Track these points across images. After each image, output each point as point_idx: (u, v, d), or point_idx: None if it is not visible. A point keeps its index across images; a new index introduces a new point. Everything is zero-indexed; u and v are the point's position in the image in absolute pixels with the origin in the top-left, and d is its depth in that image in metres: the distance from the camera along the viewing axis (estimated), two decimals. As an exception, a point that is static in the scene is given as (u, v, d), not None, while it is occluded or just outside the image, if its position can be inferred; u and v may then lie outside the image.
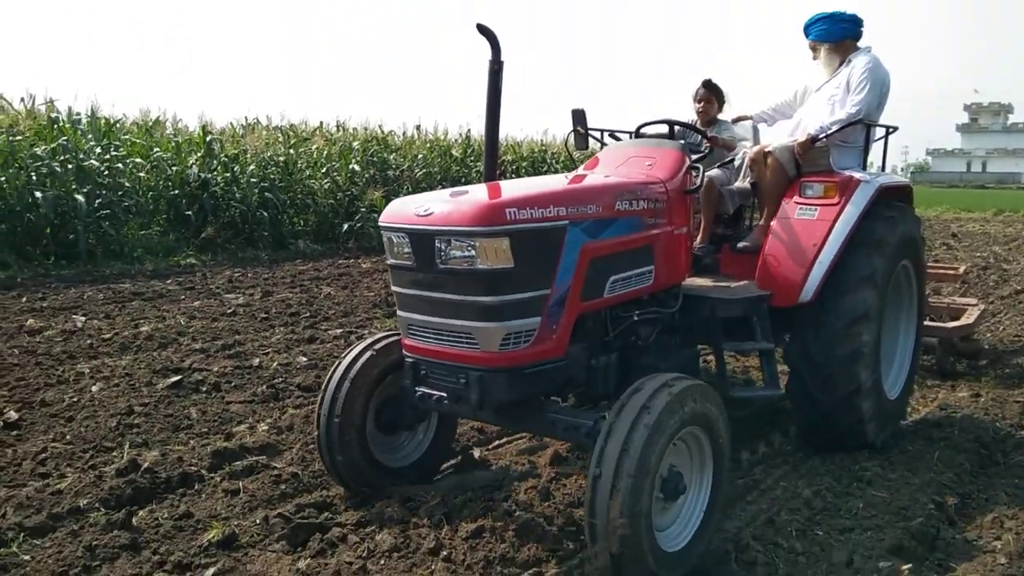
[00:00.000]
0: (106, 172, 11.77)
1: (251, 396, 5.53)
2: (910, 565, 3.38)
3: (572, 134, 4.90)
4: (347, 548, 3.42)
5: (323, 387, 3.91)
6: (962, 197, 38.16)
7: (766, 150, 4.90)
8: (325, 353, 6.67)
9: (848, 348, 4.45)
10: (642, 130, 4.78)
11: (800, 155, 4.79)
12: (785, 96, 5.55)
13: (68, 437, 4.64)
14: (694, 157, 4.25)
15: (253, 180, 13.66)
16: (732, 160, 5.17)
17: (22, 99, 12.33)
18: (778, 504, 4.02)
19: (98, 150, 12.01)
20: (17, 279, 9.55)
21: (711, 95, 5.35)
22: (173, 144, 13.74)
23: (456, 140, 20.05)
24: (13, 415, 4.93)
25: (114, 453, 4.46)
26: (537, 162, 21.91)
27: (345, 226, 14.51)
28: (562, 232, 3.41)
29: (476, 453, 4.62)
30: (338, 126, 18.40)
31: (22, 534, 3.47)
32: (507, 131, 23.12)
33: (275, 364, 6.29)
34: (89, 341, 6.87)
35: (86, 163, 11.42)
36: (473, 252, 3.19)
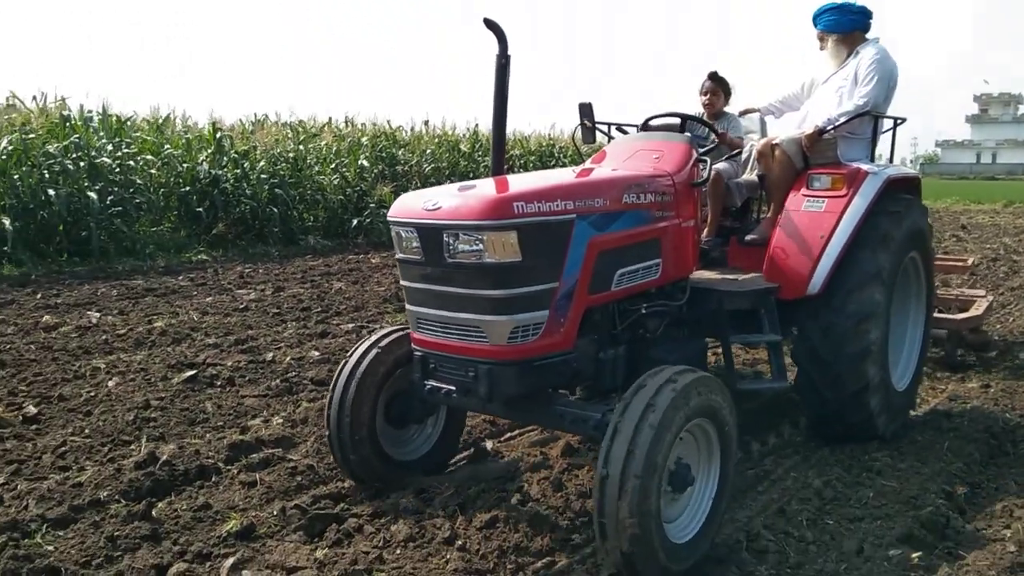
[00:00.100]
0: (118, 169, 11.86)
1: (265, 390, 5.59)
2: (920, 553, 3.42)
3: (579, 128, 4.92)
4: (363, 538, 3.48)
5: (331, 387, 3.95)
6: (972, 188, 38.00)
7: (773, 142, 4.90)
8: (337, 347, 6.73)
9: (856, 346, 4.46)
10: (650, 123, 4.79)
11: (807, 147, 4.79)
12: (792, 88, 5.56)
13: (86, 431, 4.71)
14: (701, 150, 4.27)
15: (263, 176, 13.75)
16: (739, 153, 5.18)
17: (34, 97, 12.49)
18: (789, 494, 4.06)
19: (110, 147, 12.11)
20: (31, 276, 9.65)
21: (717, 87, 5.32)
22: (183, 141, 13.83)
23: (464, 135, 20.13)
24: (32, 409, 5.00)
25: (132, 446, 4.52)
26: (545, 156, 21.96)
27: (354, 221, 14.58)
28: (570, 225, 3.43)
29: (489, 445, 4.67)
30: (347, 122, 18.49)
31: (45, 525, 3.53)
32: (515, 126, 23.19)
33: (288, 358, 6.35)
34: (104, 337, 6.95)
35: (98, 161, 11.52)
36: (481, 246, 3.22)
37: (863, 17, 5.07)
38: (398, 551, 3.37)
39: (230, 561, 3.24)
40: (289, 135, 15.91)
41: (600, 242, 3.56)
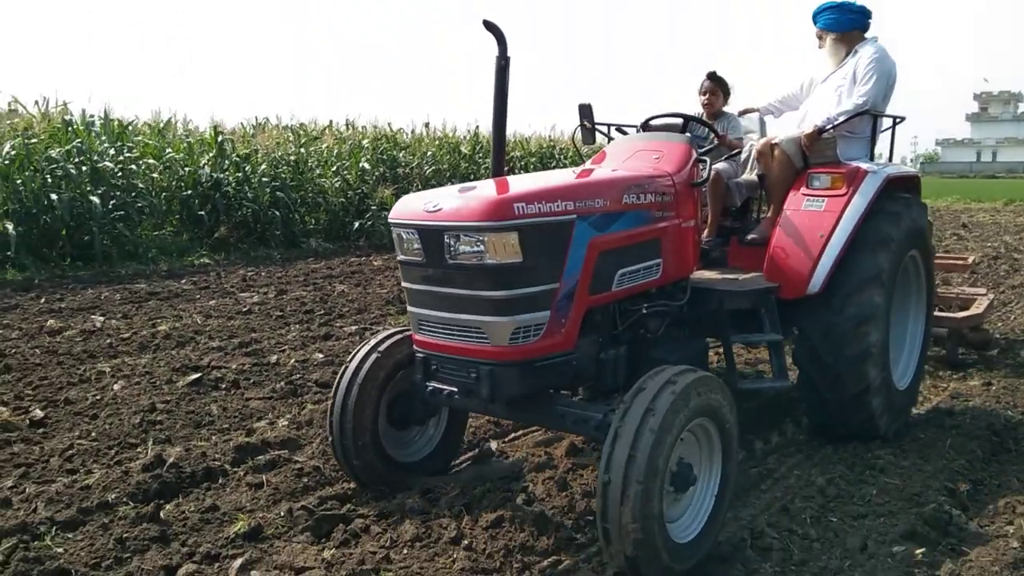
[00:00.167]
0: (120, 174, 11.90)
1: (270, 392, 5.62)
2: (923, 549, 3.44)
3: (579, 129, 4.93)
4: (370, 539, 3.50)
5: (332, 393, 3.96)
6: (972, 187, 38.01)
7: (773, 142, 4.91)
8: (341, 350, 6.75)
9: (857, 349, 4.47)
10: (649, 123, 4.81)
11: (807, 147, 4.79)
12: (791, 88, 5.57)
13: (93, 434, 4.74)
14: (700, 150, 4.29)
15: (264, 179, 13.78)
16: (739, 153, 5.19)
17: (36, 102, 12.50)
18: (792, 492, 4.08)
19: (112, 152, 12.14)
20: (35, 280, 9.67)
21: (716, 87, 5.31)
22: (185, 145, 13.86)
23: (465, 137, 20.17)
24: (39, 413, 5.03)
25: (139, 449, 4.55)
26: (545, 158, 22.00)
27: (356, 224, 14.62)
28: (570, 226, 3.43)
29: (493, 445, 4.69)
30: (348, 125, 18.53)
31: (54, 528, 3.56)
32: (515, 127, 23.24)
33: (292, 361, 6.38)
34: (108, 340, 6.98)
35: (100, 165, 11.56)
36: (482, 247, 3.22)
37: (862, 17, 5.09)
38: (405, 551, 3.39)
39: (238, 562, 3.26)
40: (290, 138, 15.95)
41: (600, 242, 3.57)
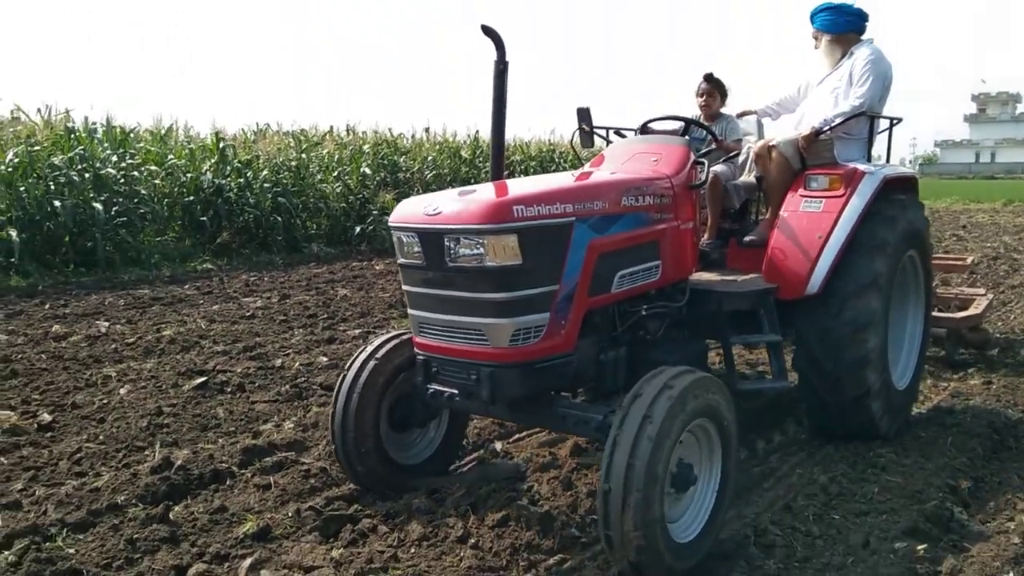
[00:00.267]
0: (122, 180, 11.94)
1: (275, 396, 5.66)
2: (925, 546, 3.48)
3: (577, 132, 4.96)
4: (378, 538, 3.54)
5: (332, 401, 3.99)
6: (971, 188, 38.06)
7: (770, 144, 4.93)
8: (345, 353, 6.79)
9: (855, 355, 4.49)
10: (647, 126, 4.84)
11: (804, 148, 4.82)
12: (789, 91, 5.61)
13: (101, 437, 4.78)
14: (699, 152, 4.32)
15: (266, 185, 13.83)
16: (737, 155, 5.22)
17: (38, 110, 12.58)
18: (795, 490, 4.12)
19: (114, 159, 12.19)
20: (39, 287, 9.71)
21: (713, 89, 5.33)
22: (187, 151, 13.92)
23: (465, 141, 20.24)
24: (47, 417, 5.07)
25: (146, 452, 4.59)
26: (545, 161, 22.06)
27: (357, 229, 14.67)
28: (569, 228, 3.45)
29: (498, 446, 4.73)
30: (348, 130, 18.60)
31: (64, 529, 3.60)
32: (515, 131, 23.30)
33: (297, 364, 6.42)
34: (114, 346, 7.02)
35: (103, 172, 11.60)
36: (482, 250, 3.24)
37: (858, 19, 5.13)
38: (412, 550, 3.43)
39: (248, 561, 3.30)
40: (291, 144, 16.02)
41: (600, 244, 3.59)
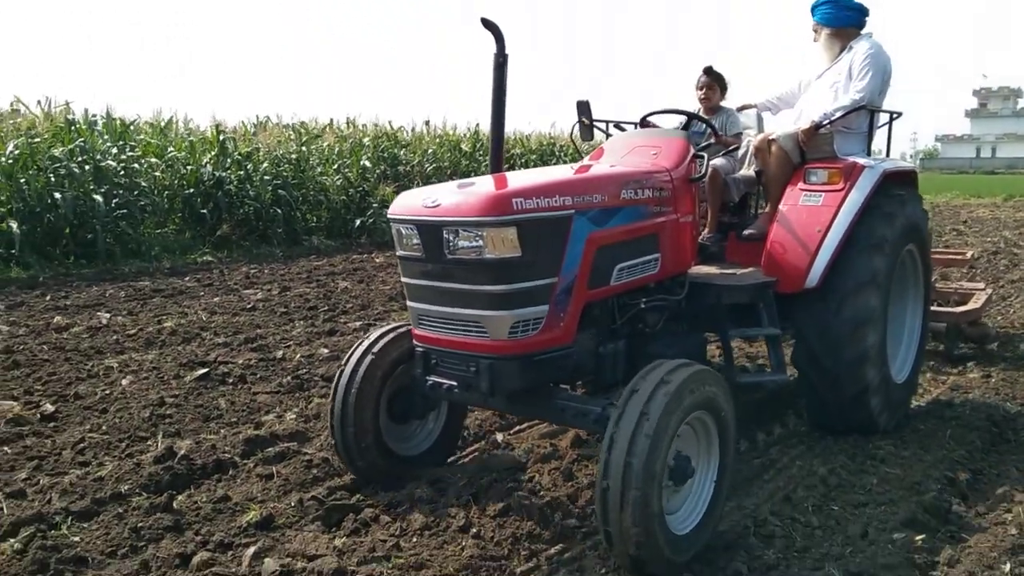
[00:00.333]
0: (122, 172, 11.95)
1: (277, 387, 5.68)
2: (923, 536, 3.51)
3: (577, 125, 4.96)
4: (380, 527, 3.57)
5: (331, 395, 4.00)
6: (972, 183, 38.10)
7: (770, 138, 4.94)
8: (346, 345, 6.81)
9: (854, 352, 4.50)
10: (647, 119, 4.84)
11: (804, 142, 4.82)
12: (789, 86, 5.60)
13: (104, 428, 4.80)
14: (698, 146, 4.32)
15: (266, 178, 13.83)
16: (737, 149, 5.23)
17: (39, 102, 12.55)
18: (794, 482, 4.14)
19: (114, 151, 12.19)
20: (39, 278, 9.73)
21: (713, 82, 5.33)
22: (187, 144, 13.92)
23: (465, 135, 20.23)
24: (49, 408, 5.09)
25: (149, 442, 4.61)
26: (545, 155, 22.07)
27: (357, 222, 14.68)
28: (568, 221, 3.46)
29: (499, 437, 4.76)
30: (348, 123, 18.57)
31: (69, 518, 3.62)
32: (515, 125, 23.30)
33: (298, 356, 6.44)
34: (115, 337, 7.04)
35: (103, 164, 11.61)
36: (481, 242, 3.25)
37: (859, 15, 5.14)
38: (414, 539, 3.46)
39: (252, 550, 3.32)
40: (291, 136, 16.00)
41: (599, 237, 3.60)
